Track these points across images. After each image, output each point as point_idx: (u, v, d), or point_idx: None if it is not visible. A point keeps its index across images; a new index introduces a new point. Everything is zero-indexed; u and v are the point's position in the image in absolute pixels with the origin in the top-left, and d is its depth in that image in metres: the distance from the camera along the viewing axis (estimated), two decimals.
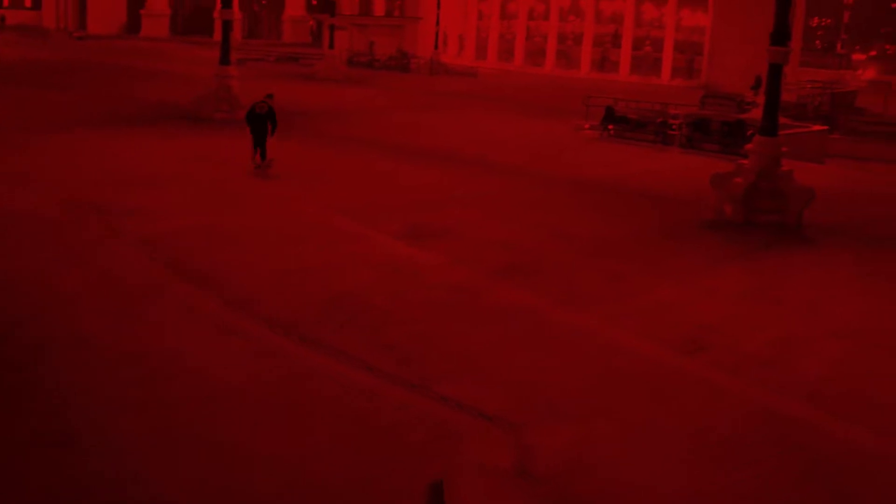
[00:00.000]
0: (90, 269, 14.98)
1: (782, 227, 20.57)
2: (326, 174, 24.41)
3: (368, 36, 72.81)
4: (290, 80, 53.57)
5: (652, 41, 77.82)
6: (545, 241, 18.40)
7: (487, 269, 15.94)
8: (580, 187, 24.72)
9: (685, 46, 76.01)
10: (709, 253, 18.56)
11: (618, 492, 8.93)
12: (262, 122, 23.15)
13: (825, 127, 40.52)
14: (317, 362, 11.54)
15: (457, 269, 15.90)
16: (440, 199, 21.96)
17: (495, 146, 31.47)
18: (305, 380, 11.04)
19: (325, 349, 11.88)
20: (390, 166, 26.02)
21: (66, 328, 12.28)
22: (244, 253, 16.32)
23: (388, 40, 72.82)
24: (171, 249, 16.14)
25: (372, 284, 14.79)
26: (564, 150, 32.48)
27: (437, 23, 71.75)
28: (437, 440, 9.67)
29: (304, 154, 27.25)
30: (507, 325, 13.40)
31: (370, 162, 26.79)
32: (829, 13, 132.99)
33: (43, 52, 62.94)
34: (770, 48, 21.09)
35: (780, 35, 21.01)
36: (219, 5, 40.56)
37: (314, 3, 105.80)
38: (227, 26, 34.97)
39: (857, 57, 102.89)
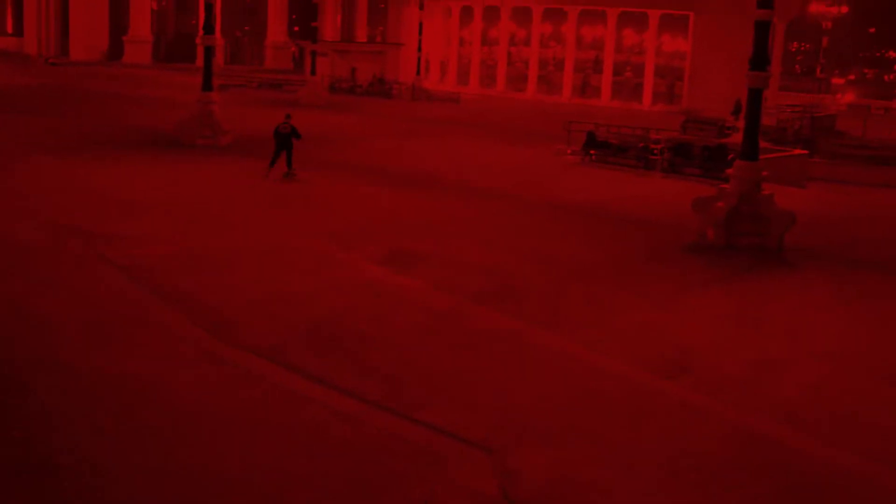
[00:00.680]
0: (71, 293, 14.92)
1: (763, 250, 20.69)
2: (310, 199, 24.42)
3: (350, 62, 72.99)
4: (273, 106, 53.51)
5: (633, 66, 78.29)
6: (527, 266, 18.44)
7: (469, 294, 15.95)
8: (562, 212, 24.80)
9: (666, 71, 76.50)
10: (690, 276, 18.63)
11: None
12: (286, 139, 27.40)
13: (805, 151, 40.78)
14: (299, 387, 11.51)
15: (439, 293, 15.90)
16: (422, 224, 21.99)
17: (477, 171, 31.55)
18: (288, 405, 11.01)
19: (307, 374, 11.86)
20: (373, 191, 26.05)
21: (47, 353, 12.22)
22: (227, 278, 16.29)
23: (370, 66, 73.03)
24: (154, 274, 16.10)
25: (354, 309, 14.79)
26: (546, 175, 32.58)
27: (420, 49, 72.04)
28: (420, 466, 9.66)
29: (287, 180, 27.27)
30: (490, 349, 13.41)
31: (353, 187, 26.80)
32: (809, 38, 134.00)
33: (25, 77, 62.81)
34: (749, 73, 21.27)
35: (760, 60, 21.19)
36: (201, 32, 40.63)
37: (296, 29, 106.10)
38: (209, 52, 35.04)
39: (837, 81, 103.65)
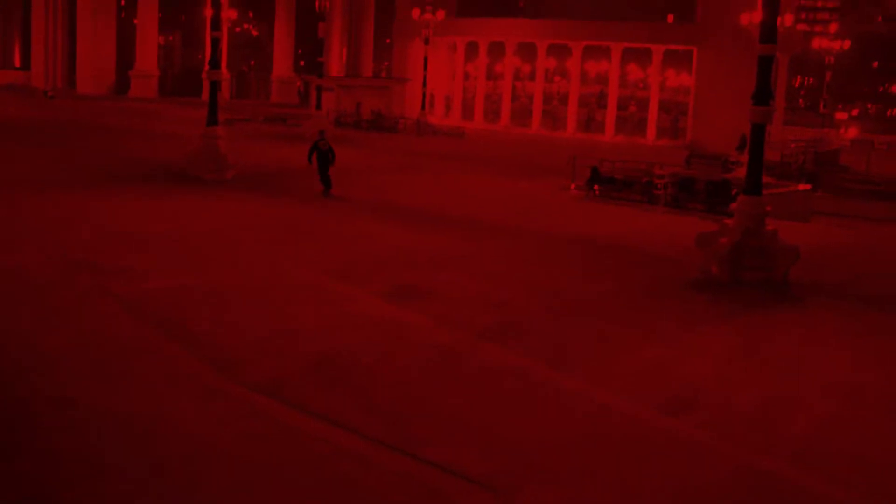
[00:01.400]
0: (77, 328, 14.93)
1: (768, 285, 20.66)
2: (314, 234, 24.47)
3: (356, 97, 73.37)
4: (278, 140, 53.86)
5: (637, 101, 78.63)
6: (532, 301, 18.44)
7: (474, 330, 15.93)
8: (566, 247, 24.83)
9: (670, 106, 76.88)
10: (695, 312, 18.61)
11: None
12: (326, 155, 29.99)
13: (809, 186, 40.91)
14: (303, 424, 11.49)
15: (443, 329, 15.89)
16: (426, 259, 22.02)
17: (481, 206, 31.62)
18: (291, 442, 10.98)
19: (311, 411, 11.84)
20: (378, 226, 26.10)
21: (52, 388, 12.21)
22: (231, 313, 16.30)
23: (375, 101, 73.40)
24: (160, 309, 16.12)
25: (358, 345, 14.78)
26: (550, 210, 32.65)
27: (424, 84, 72.41)
28: None
29: (292, 215, 27.37)
30: (494, 386, 13.39)
31: (357, 221, 26.87)
32: (812, 73, 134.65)
33: (32, 111, 63.15)
34: (753, 108, 21.33)
35: (763, 95, 21.25)
36: (207, 66, 40.86)
37: (302, 64, 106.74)
38: (214, 87, 35.22)
39: (840, 116, 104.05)
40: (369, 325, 15.99)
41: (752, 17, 49.20)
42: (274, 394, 12.39)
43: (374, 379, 13.32)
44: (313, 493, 9.75)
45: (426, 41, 72.45)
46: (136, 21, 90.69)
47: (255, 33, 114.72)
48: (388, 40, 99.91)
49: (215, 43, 35.89)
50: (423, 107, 72.31)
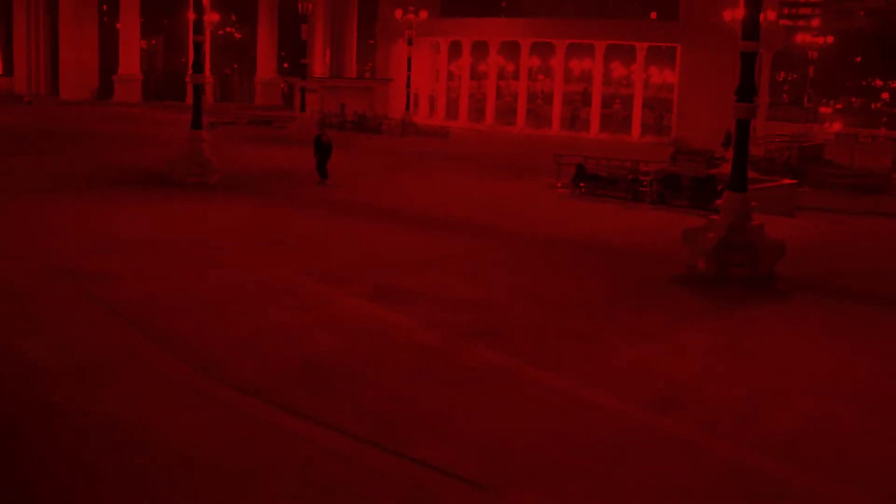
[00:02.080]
0: (60, 334, 14.84)
1: (754, 280, 20.69)
2: (298, 236, 24.40)
3: (339, 98, 73.26)
4: (263, 142, 53.76)
5: (621, 99, 78.79)
6: (516, 301, 18.42)
7: (459, 330, 15.90)
8: (552, 245, 24.83)
9: (654, 103, 77.09)
10: (681, 308, 18.63)
11: None
12: (327, 149, 32.87)
13: (794, 180, 41.00)
14: (290, 426, 11.44)
15: (428, 330, 15.85)
16: (410, 260, 21.97)
17: (466, 205, 31.61)
18: (278, 444, 10.93)
19: (298, 412, 11.79)
20: (362, 228, 26.06)
21: (36, 396, 12.13)
22: (216, 316, 16.23)
23: (359, 102, 73.31)
24: (143, 314, 16.03)
25: (344, 347, 14.74)
26: (536, 208, 32.66)
27: (408, 84, 72.38)
28: (412, 503, 9.58)
29: (277, 217, 27.30)
30: (480, 386, 13.36)
31: (341, 223, 26.81)
32: (795, 68, 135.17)
33: (12, 116, 62.83)
34: (737, 104, 21.35)
35: (747, 91, 21.28)
36: (190, 70, 40.74)
37: (286, 66, 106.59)
38: (198, 90, 35.13)
39: (824, 110, 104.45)
40: (353, 327, 15.94)
41: (734, 14, 49.44)
42: (259, 396, 12.33)
43: (359, 379, 13.27)
44: (300, 494, 9.70)
45: (409, 41, 72.43)
46: (118, 25, 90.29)
47: (238, 36, 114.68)
48: (371, 41, 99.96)
49: (198, 47, 35.86)
50: (407, 107, 72.27)
